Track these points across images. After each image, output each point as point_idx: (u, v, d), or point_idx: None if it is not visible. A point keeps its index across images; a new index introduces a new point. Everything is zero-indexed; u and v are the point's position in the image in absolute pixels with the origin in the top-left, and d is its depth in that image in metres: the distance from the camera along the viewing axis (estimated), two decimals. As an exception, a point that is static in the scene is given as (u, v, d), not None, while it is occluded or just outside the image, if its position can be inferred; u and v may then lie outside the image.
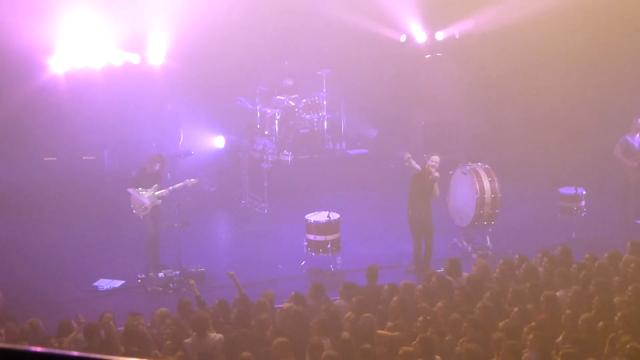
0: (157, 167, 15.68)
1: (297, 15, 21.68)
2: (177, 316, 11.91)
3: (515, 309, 11.11)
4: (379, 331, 10.77)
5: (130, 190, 15.67)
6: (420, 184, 15.33)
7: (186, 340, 10.97)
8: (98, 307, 13.30)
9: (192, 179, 15.91)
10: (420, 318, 10.98)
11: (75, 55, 19.79)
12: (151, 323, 11.92)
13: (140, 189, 15.56)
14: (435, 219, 16.58)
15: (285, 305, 12.06)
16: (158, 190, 15.54)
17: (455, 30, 22.31)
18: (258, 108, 20.84)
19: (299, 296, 12.28)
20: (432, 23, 22.39)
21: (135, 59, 20.58)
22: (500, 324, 10.74)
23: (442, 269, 13.74)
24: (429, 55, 22.45)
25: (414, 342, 10.21)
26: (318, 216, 15.95)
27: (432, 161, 15.30)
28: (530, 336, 10.07)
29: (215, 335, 11.04)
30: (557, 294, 11.66)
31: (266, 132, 20.64)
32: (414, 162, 15.16)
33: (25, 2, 18.99)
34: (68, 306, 12.55)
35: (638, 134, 17.75)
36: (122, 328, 11.53)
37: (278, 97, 21.18)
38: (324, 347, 10.27)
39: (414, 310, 11.56)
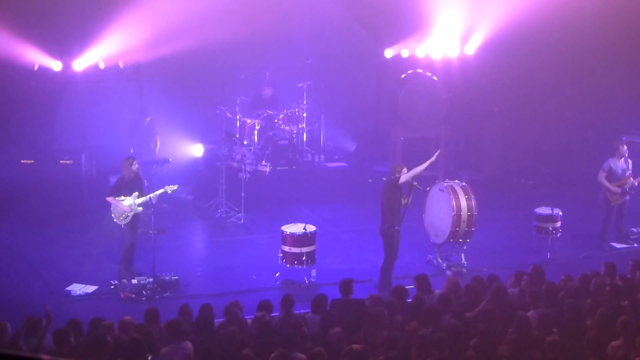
0: (135, 167, 15.56)
1: (280, 27, 21.72)
2: (145, 323, 11.77)
3: (484, 328, 11.12)
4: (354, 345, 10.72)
5: (109, 199, 15.59)
6: (397, 197, 15.38)
7: (163, 350, 10.87)
8: (69, 312, 13.23)
9: (172, 186, 15.87)
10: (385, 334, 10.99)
11: (57, 58, 19.75)
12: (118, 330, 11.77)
13: (120, 197, 15.50)
14: (411, 235, 16.66)
15: (258, 314, 12.01)
16: (138, 198, 15.48)
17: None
18: (238, 117, 20.82)
19: (267, 306, 12.26)
20: (412, 40, 22.45)
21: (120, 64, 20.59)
22: (471, 343, 10.70)
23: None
24: (410, 71, 22.51)
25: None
26: (294, 228, 15.94)
27: (405, 173, 15.38)
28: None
29: (187, 344, 10.96)
30: (528, 314, 11.68)
31: (245, 142, 20.61)
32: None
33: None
34: (39, 310, 12.44)
35: (622, 159, 17.80)
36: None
37: (258, 107, 21.17)
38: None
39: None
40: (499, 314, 11.82)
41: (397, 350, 10.40)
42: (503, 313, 11.86)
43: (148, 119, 20.45)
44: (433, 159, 15.85)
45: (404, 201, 15.42)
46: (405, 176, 15.32)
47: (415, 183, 15.44)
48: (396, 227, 15.40)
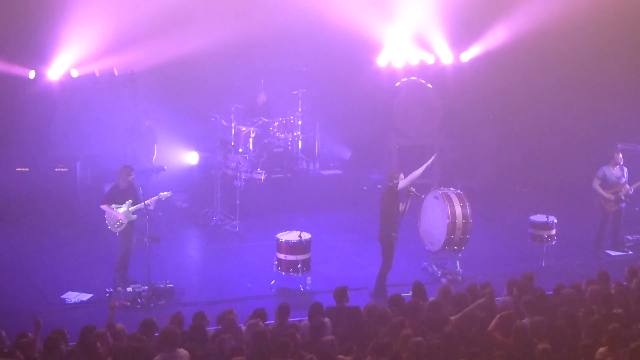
0: (131, 178, 15.61)
1: (275, 35, 21.72)
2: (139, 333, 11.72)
3: (476, 334, 11.12)
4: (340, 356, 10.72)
5: (103, 207, 15.59)
6: (396, 203, 15.43)
7: (156, 358, 10.83)
8: (64, 320, 13.22)
9: (166, 192, 15.88)
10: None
11: (53, 65, 19.77)
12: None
13: (114, 205, 15.50)
14: (406, 243, 16.65)
15: (252, 321, 11.99)
16: (132, 206, 15.48)
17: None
18: (233, 125, 20.83)
19: (262, 313, 12.24)
20: (407, 47, 22.49)
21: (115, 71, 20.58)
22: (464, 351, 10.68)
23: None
24: (405, 79, 22.54)
25: None
26: (289, 236, 15.92)
27: (402, 179, 15.44)
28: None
29: (182, 351, 10.92)
30: (522, 322, 11.66)
31: (240, 150, 20.62)
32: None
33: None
34: (33, 318, 12.42)
35: (617, 167, 17.81)
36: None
37: (253, 115, 21.17)
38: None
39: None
40: (490, 321, 11.81)
41: (388, 356, 10.39)
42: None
43: (147, 122, 20.35)
44: (429, 162, 15.89)
45: (401, 207, 15.46)
46: (404, 181, 15.36)
47: (413, 189, 15.46)
48: (393, 234, 15.42)
